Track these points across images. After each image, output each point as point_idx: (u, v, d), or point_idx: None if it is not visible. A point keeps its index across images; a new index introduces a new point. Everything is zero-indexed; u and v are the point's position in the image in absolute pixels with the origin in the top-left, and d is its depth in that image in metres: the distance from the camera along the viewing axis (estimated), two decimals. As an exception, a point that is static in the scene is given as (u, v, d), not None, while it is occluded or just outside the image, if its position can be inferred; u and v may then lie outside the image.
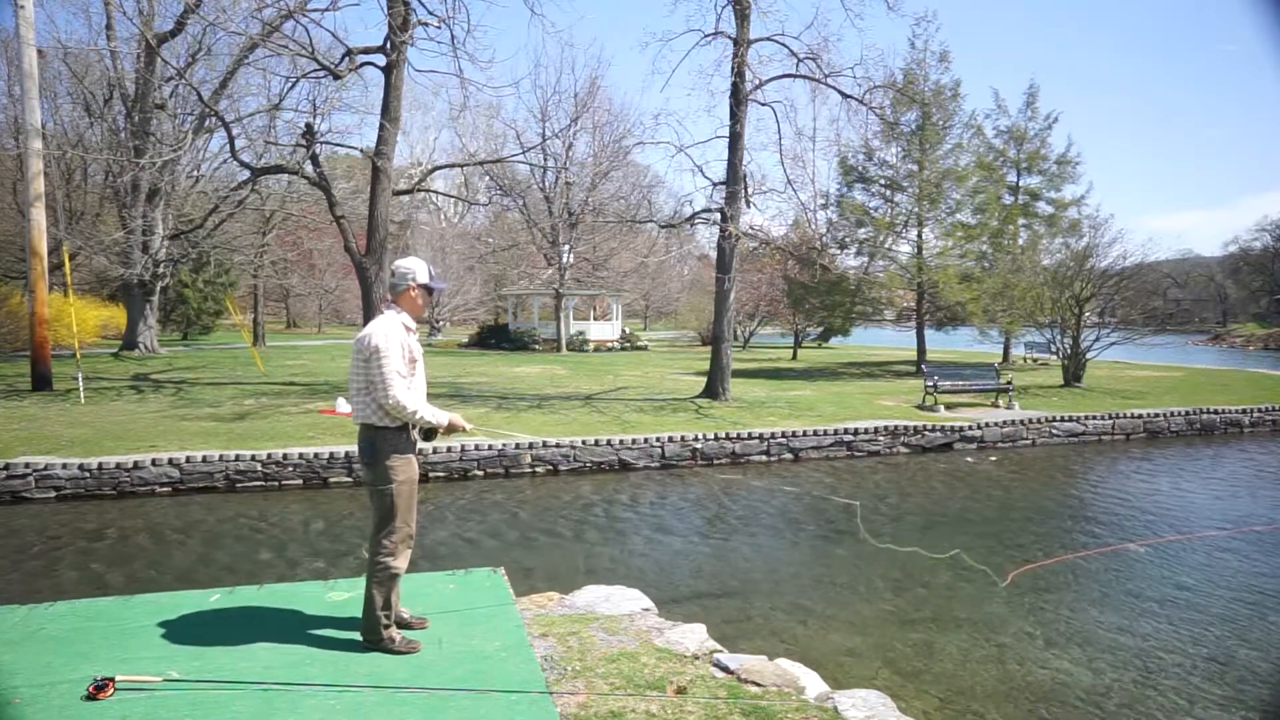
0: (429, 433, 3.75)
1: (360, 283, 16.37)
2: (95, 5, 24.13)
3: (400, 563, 3.64)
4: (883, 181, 23.39)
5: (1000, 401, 15.56)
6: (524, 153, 27.83)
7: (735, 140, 15.11)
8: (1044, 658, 5.30)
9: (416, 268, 3.78)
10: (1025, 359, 26.07)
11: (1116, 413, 14.68)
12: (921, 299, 22.57)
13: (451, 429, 3.75)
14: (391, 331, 3.59)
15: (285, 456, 9.99)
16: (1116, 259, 20.33)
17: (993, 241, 22.73)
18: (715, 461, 11.74)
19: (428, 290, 3.81)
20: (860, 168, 23.57)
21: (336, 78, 14.98)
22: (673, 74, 32.20)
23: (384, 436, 3.61)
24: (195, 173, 25.83)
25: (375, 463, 3.63)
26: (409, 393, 3.59)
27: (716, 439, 11.85)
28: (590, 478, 10.84)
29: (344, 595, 4.32)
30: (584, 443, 11.24)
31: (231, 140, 16.70)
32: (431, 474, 10.34)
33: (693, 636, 4.14)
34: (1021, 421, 13.91)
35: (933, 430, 13.15)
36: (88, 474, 9.34)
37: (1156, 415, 14.80)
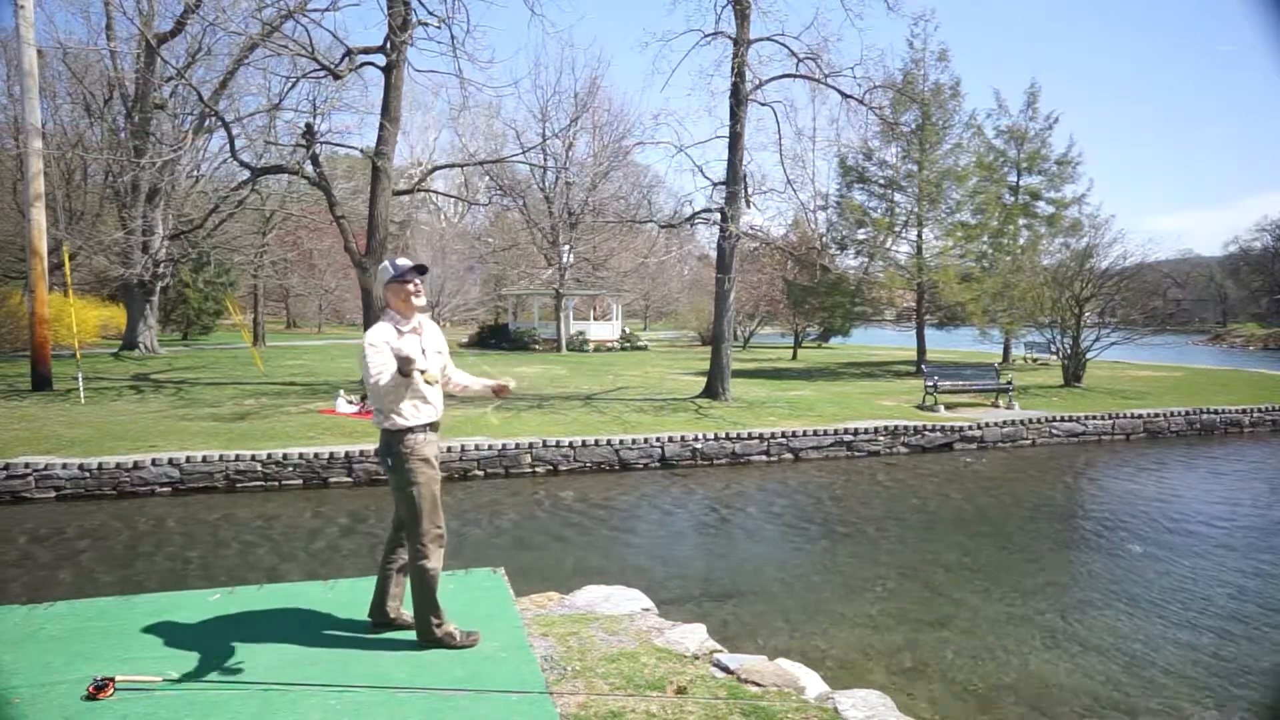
0: (407, 370, 3.40)
1: (360, 283, 16.37)
2: (95, 5, 24.11)
3: (435, 562, 3.64)
4: (882, 182, 23.38)
5: (1000, 401, 15.56)
6: (524, 153, 27.82)
7: (735, 140, 15.11)
8: (1044, 658, 5.30)
9: (381, 271, 3.75)
10: (1025, 359, 26.06)
11: (1116, 413, 14.68)
12: (921, 299, 22.57)
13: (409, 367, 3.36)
14: (376, 336, 3.55)
15: (285, 456, 9.99)
16: (1117, 259, 20.37)
17: (993, 241, 22.73)
18: (715, 461, 11.74)
19: (400, 280, 3.67)
20: (860, 168, 23.56)
21: (336, 78, 14.98)
22: (673, 74, 32.06)
23: (399, 440, 3.60)
24: (195, 173, 25.81)
25: (395, 467, 3.63)
26: (389, 370, 3.43)
27: (716, 439, 11.84)
28: (590, 478, 10.84)
29: (344, 596, 4.31)
30: (584, 443, 11.24)
31: (231, 140, 16.69)
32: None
33: (693, 636, 4.13)
34: (1021, 421, 13.91)
35: (933, 430, 13.15)
36: (88, 474, 9.34)
37: (1156, 415, 14.80)
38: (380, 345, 3.50)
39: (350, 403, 13.23)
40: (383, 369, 3.44)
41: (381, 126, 15.25)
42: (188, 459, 9.70)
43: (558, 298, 31.10)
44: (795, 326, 32.25)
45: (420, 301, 3.72)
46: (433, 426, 3.72)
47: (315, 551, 7.55)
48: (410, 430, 3.61)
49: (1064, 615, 6.08)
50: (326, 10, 14.62)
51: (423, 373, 3.43)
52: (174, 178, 23.10)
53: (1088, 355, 19.14)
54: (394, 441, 3.62)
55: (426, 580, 3.63)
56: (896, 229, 22.96)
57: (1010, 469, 11.89)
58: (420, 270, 3.72)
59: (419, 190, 20.66)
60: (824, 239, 25.39)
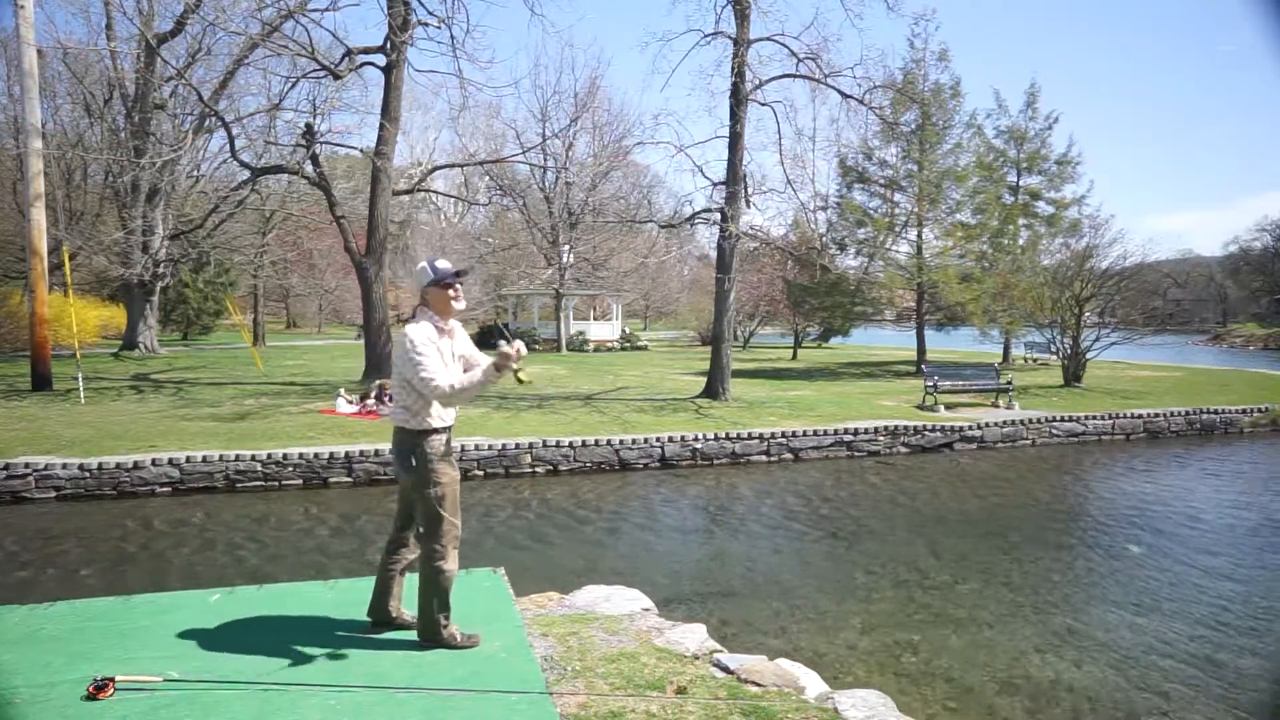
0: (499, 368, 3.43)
1: (360, 283, 16.40)
2: (95, 5, 24.14)
3: (451, 564, 3.64)
4: (882, 182, 23.38)
5: (1000, 401, 15.55)
6: (524, 153, 27.88)
7: (735, 140, 15.10)
8: (1043, 657, 5.29)
9: (420, 272, 3.67)
10: (1025, 359, 26.06)
11: (1116, 413, 14.67)
12: (921, 299, 22.57)
13: (503, 364, 3.38)
14: (422, 335, 3.51)
15: (285, 456, 9.99)
16: (1117, 259, 20.37)
17: (993, 241, 22.73)
18: (715, 461, 11.74)
19: (441, 284, 3.61)
20: (859, 168, 23.56)
21: (336, 78, 14.99)
22: (673, 74, 32.05)
23: (424, 440, 3.58)
24: (195, 173, 25.84)
25: (417, 468, 3.58)
26: (447, 375, 3.49)
27: (716, 439, 11.84)
28: (590, 478, 10.84)
29: (344, 596, 4.31)
30: (584, 443, 11.24)
31: (231, 140, 16.70)
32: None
33: (693, 636, 4.14)
34: (1021, 421, 13.90)
35: (932, 430, 13.15)
36: (88, 474, 9.34)
37: (1156, 415, 14.80)
38: (431, 349, 3.48)
39: (350, 403, 13.23)
40: (437, 373, 3.42)
41: (381, 126, 15.27)
42: (188, 459, 9.70)
43: (558, 298, 31.11)
44: (795, 326, 32.26)
45: (460, 305, 3.68)
46: (450, 429, 3.73)
47: (315, 550, 7.55)
48: (436, 432, 3.61)
49: (1063, 615, 6.08)
50: (326, 10, 14.66)
51: (516, 371, 3.41)
52: (174, 178, 23.11)
53: (1088, 355, 19.14)
54: (420, 442, 3.58)
55: (441, 581, 3.63)
56: (896, 229, 22.96)
57: (1010, 469, 11.89)
58: (461, 275, 3.68)
59: (419, 190, 20.70)
60: (824, 239, 25.38)
